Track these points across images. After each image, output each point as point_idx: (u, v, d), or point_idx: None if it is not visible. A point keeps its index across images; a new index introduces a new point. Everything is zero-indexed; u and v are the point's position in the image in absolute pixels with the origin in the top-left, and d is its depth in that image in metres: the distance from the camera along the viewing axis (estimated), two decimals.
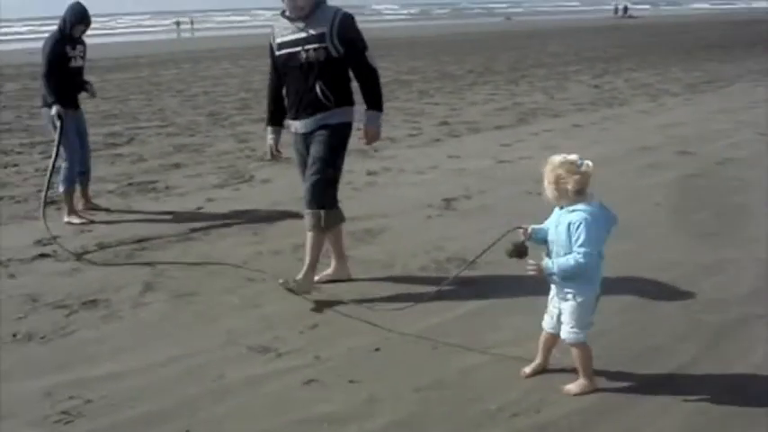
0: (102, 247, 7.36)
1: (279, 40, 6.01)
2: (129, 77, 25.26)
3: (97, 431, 4.14)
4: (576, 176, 4.11)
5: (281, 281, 5.89)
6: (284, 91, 6.18)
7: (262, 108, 16.83)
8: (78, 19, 8.13)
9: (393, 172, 10.27)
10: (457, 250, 6.92)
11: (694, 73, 22.54)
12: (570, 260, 4.10)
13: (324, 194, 5.95)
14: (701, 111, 15.23)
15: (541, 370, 4.58)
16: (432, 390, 4.47)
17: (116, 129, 14.44)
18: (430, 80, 22.18)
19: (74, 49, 8.22)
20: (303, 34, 5.83)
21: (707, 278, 6.13)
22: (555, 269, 4.16)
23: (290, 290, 5.87)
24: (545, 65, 26.36)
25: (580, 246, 4.07)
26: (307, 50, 5.82)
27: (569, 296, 4.24)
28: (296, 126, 6.14)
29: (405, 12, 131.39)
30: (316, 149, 5.98)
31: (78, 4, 8.23)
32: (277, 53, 6.06)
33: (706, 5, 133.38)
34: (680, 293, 5.84)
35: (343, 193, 8.90)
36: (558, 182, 4.16)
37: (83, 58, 8.38)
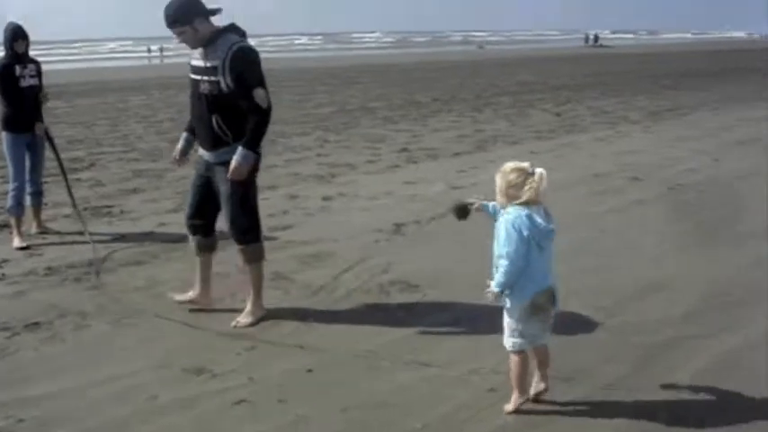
0: (50, 270, 7.41)
1: (191, 62, 5.87)
2: (97, 103, 25.27)
3: None
4: (525, 182, 4.24)
5: (232, 324, 5.93)
6: None
7: None
8: (12, 35, 8.26)
9: (348, 197, 10.40)
10: (402, 274, 7.04)
11: (657, 101, 22.92)
12: (499, 275, 4.23)
13: (246, 231, 5.97)
14: (658, 138, 15.53)
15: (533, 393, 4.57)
16: (360, 409, 4.57)
17: (78, 154, 14.46)
18: (395, 107, 22.36)
19: (24, 68, 8.31)
20: (202, 63, 5.72)
21: (642, 301, 6.31)
22: (497, 288, 4.25)
23: (251, 324, 5.93)
24: (511, 93, 26.66)
25: (500, 253, 4.20)
26: (203, 82, 5.71)
27: (503, 302, 4.36)
28: (200, 151, 6.05)
29: (386, 39, 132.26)
30: (225, 188, 5.85)
31: (10, 23, 8.40)
32: (189, 74, 5.90)
33: (688, 35, 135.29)
34: (613, 316, 5.98)
35: (296, 219, 9.16)
36: (507, 187, 4.28)
37: (36, 77, 8.44)
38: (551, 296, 4.36)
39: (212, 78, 5.63)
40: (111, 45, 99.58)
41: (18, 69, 8.27)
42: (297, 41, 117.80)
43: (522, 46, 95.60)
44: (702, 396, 4.66)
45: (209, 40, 5.70)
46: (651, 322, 5.83)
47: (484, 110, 21.35)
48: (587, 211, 9.31)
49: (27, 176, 8.52)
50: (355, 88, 29.56)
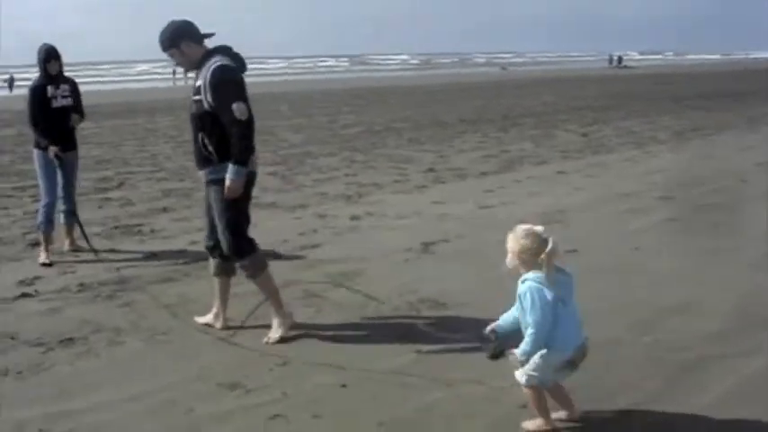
0: (83, 286, 7.49)
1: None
2: (126, 123, 25.54)
3: None
4: (539, 249, 4.18)
5: (264, 340, 6.00)
6: None
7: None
8: (45, 56, 8.37)
9: (376, 217, 10.43)
10: (431, 293, 7.05)
11: (683, 121, 22.85)
12: (525, 345, 4.21)
13: (239, 246, 6.07)
14: (685, 158, 15.49)
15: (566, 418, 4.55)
16: (395, 425, 4.59)
17: (107, 174, 14.63)
18: (421, 128, 22.43)
19: (56, 88, 8.42)
20: (194, 83, 5.99)
21: (672, 318, 6.28)
22: (523, 356, 4.23)
23: (282, 337, 6.00)
24: (536, 114, 26.68)
25: (527, 322, 4.18)
26: (193, 102, 5.95)
27: None
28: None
29: (413, 61, 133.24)
30: (216, 207, 6.05)
31: (44, 44, 8.51)
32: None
33: (715, 56, 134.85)
34: (644, 333, 5.96)
35: (324, 238, 9.20)
36: (521, 252, 4.24)
37: (69, 97, 8.53)
38: (584, 351, 4.35)
39: (198, 98, 5.87)
40: (142, 67, 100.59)
41: (50, 90, 8.38)
42: (323, 63, 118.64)
43: (546, 67, 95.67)
44: (729, 416, 4.64)
45: (200, 62, 5.93)
46: (681, 340, 5.80)
47: (509, 130, 21.38)
48: (617, 230, 9.28)
49: (60, 194, 8.62)
50: (381, 109, 29.72)
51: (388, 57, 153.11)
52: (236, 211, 6.02)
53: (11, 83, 56.87)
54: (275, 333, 6.04)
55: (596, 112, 26.86)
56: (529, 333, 4.19)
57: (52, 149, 8.33)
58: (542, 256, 4.14)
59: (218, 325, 6.33)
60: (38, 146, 8.46)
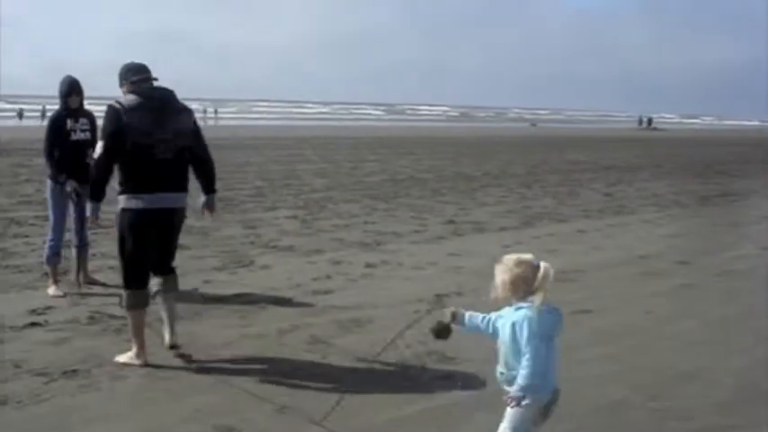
0: (92, 319, 7.51)
1: None
2: None
3: None
4: (534, 276, 4.06)
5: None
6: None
7: (275, 196, 17.27)
8: (67, 90, 8.43)
9: (391, 266, 10.41)
10: (439, 345, 6.96)
11: (708, 186, 22.74)
12: (522, 378, 4.00)
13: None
14: (708, 223, 15.40)
15: None
16: None
17: None
18: (445, 179, 22.47)
19: (76, 122, 8.46)
20: None
21: (682, 386, 6.17)
22: (520, 391, 4.02)
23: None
24: (561, 171, 26.66)
25: (524, 351, 3.99)
26: None
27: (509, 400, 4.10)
28: None
29: (452, 113, 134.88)
30: None
31: (67, 76, 8.55)
32: None
33: (755, 122, 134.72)
34: (652, 399, 5.87)
35: (337, 284, 9.19)
36: (518, 281, 4.10)
37: (88, 131, 8.54)
38: (557, 395, 4.16)
39: None
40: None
41: (69, 123, 8.42)
42: (359, 111, 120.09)
43: (575, 125, 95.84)
44: None
45: None
46: (687, 408, 5.71)
47: (533, 186, 21.35)
48: (633, 292, 9.19)
49: (73, 228, 8.64)
50: (408, 158, 29.81)
51: (431, 107, 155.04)
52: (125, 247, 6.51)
53: (20, 114, 58.08)
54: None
55: (622, 172, 26.82)
56: (525, 364, 3.97)
57: (71, 184, 8.35)
58: (536, 283, 4.02)
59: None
60: (53, 178, 8.47)
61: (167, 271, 6.74)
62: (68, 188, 8.36)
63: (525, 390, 4.00)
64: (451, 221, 14.48)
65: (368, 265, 10.32)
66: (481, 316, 4.37)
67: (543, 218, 15.39)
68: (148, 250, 6.48)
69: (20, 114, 56.82)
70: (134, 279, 6.45)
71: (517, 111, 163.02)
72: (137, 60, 6.65)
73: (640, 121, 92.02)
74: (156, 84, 6.53)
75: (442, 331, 4.30)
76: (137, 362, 6.30)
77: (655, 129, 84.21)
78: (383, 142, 41.13)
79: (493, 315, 4.29)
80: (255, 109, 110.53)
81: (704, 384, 6.25)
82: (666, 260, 11.25)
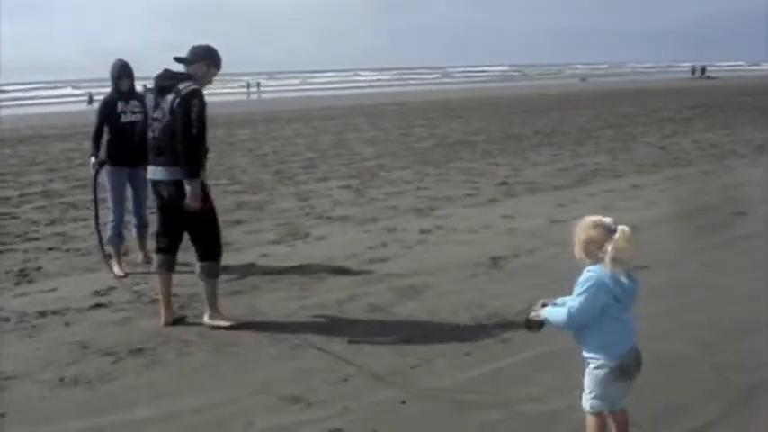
0: (154, 299, 7.65)
1: None
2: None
3: None
4: (606, 240, 3.98)
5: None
6: (203, 148, 6.83)
7: (327, 167, 17.34)
8: (117, 73, 8.57)
9: (445, 231, 10.42)
10: (498, 308, 7.02)
11: (764, 133, 22.26)
12: (553, 316, 4.08)
13: None
14: (766, 172, 15.10)
15: None
16: None
17: None
18: (495, 141, 22.33)
19: (127, 104, 8.59)
20: None
21: (743, 339, 6.12)
22: (546, 315, 4.13)
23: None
24: (614, 126, 26.30)
25: (573, 300, 4.01)
26: None
27: (586, 362, 4.14)
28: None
29: (513, 72, 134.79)
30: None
31: (118, 60, 8.70)
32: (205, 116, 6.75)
33: None
34: (713, 353, 5.84)
35: (393, 252, 9.23)
36: (588, 243, 4.05)
37: (139, 113, 8.58)
38: (637, 357, 4.11)
39: None
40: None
41: (120, 105, 8.56)
42: (415, 76, 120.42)
43: (627, 78, 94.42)
44: None
45: None
46: (751, 361, 5.66)
47: (585, 143, 21.11)
48: (690, 246, 9.10)
49: (132, 209, 8.84)
50: (457, 122, 29.68)
51: (493, 68, 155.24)
52: None
53: (91, 99, 58.68)
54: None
55: (676, 124, 26.38)
56: (564, 310, 4.02)
57: (93, 162, 8.64)
58: (610, 246, 3.95)
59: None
60: (108, 161, 8.63)
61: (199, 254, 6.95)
62: (91, 166, 8.74)
63: (547, 322, 4.17)
64: (504, 183, 14.42)
65: (422, 231, 10.34)
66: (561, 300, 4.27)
67: (597, 175, 15.23)
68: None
69: (90, 99, 57.52)
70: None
71: (574, 66, 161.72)
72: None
73: (693, 71, 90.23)
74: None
75: (529, 324, 4.27)
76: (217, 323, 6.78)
77: (708, 77, 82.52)
78: (431, 107, 40.95)
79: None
80: (310, 80, 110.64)
81: (765, 337, 6.18)
82: (724, 212, 11.09)
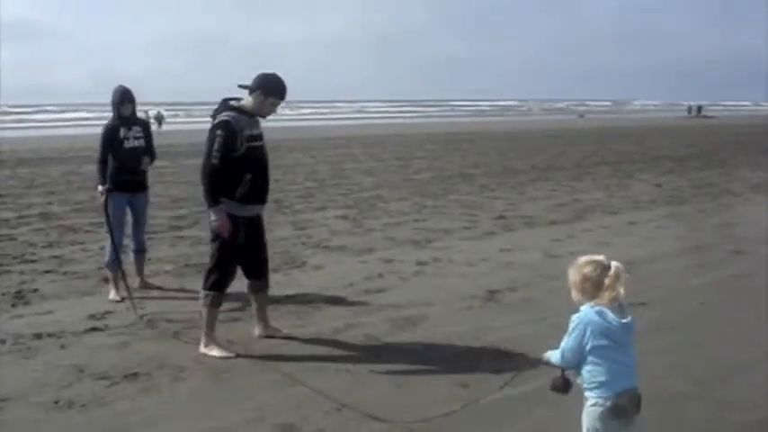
0: (151, 323, 7.66)
1: (247, 133, 6.64)
2: None
3: None
4: (601, 277, 3.97)
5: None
6: (247, 177, 6.69)
7: (325, 196, 17.38)
8: (120, 99, 8.60)
9: (442, 263, 10.44)
10: (493, 341, 7.03)
11: (761, 173, 22.38)
12: (556, 352, 4.09)
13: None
14: (760, 211, 15.17)
15: None
16: None
17: (182, 212, 14.91)
18: (493, 174, 22.41)
19: (129, 129, 8.65)
20: (258, 131, 6.84)
21: (738, 377, 6.14)
22: (548, 358, 4.18)
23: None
24: (610, 163, 26.42)
25: (564, 340, 4.02)
26: (261, 146, 6.88)
27: (585, 399, 4.09)
28: (254, 209, 6.95)
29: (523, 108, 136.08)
30: (262, 234, 7.25)
31: (119, 86, 8.73)
32: (246, 144, 6.64)
33: None
34: (709, 391, 5.85)
35: (390, 283, 9.24)
36: (583, 281, 4.03)
37: (142, 138, 8.73)
38: (635, 399, 4.05)
39: (263, 142, 6.94)
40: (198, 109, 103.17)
41: (123, 131, 8.61)
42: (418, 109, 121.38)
43: (623, 116, 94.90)
44: None
45: None
46: (748, 399, 5.68)
47: (583, 179, 21.21)
48: (687, 284, 9.12)
49: (131, 234, 8.86)
50: (455, 155, 29.80)
51: (473, 102, 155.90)
52: None
53: (160, 120, 58.87)
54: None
55: (673, 162, 26.52)
56: (558, 350, 4.07)
57: (100, 188, 8.63)
58: (606, 283, 3.94)
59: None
60: (109, 186, 8.67)
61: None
62: (98, 190, 8.75)
63: (548, 361, 4.21)
64: (501, 217, 14.46)
65: (419, 263, 10.36)
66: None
67: (594, 210, 15.28)
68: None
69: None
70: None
71: (560, 101, 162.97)
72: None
73: (689, 110, 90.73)
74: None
75: (555, 386, 4.24)
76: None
77: (704, 116, 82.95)
78: (429, 139, 41.10)
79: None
80: (309, 109, 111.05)
81: (762, 375, 6.20)
82: (721, 250, 11.14)
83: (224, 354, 6.71)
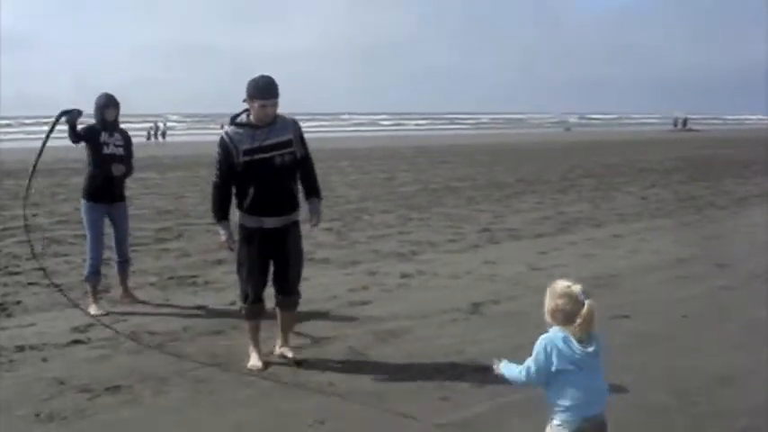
0: (134, 335, 7.63)
1: (245, 147, 6.49)
2: (188, 175, 25.95)
3: None
4: (572, 312, 3.95)
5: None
6: (250, 190, 6.57)
7: None
8: (104, 102, 8.57)
9: (427, 275, 10.45)
10: (476, 353, 7.03)
11: (746, 187, 22.52)
12: (512, 372, 4.14)
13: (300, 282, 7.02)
14: (744, 224, 15.25)
15: None
16: None
17: (167, 224, 14.87)
18: (479, 187, 22.47)
19: (111, 136, 8.61)
20: (270, 141, 6.53)
21: (722, 389, 6.16)
22: (503, 371, 4.21)
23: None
24: (596, 175, 26.54)
25: (529, 360, 4.03)
26: (281, 155, 6.56)
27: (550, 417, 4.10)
28: (267, 222, 6.65)
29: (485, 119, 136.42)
30: (294, 243, 6.85)
31: (103, 93, 8.71)
32: (244, 158, 6.50)
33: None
34: (690, 402, 5.87)
35: (374, 295, 9.23)
36: (554, 310, 4.02)
37: (121, 147, 8.69)
38: (599, 427, 4.04)
39: (289, 150, 6.64)
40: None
41: (104, 136, 8.58)
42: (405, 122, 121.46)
43: (610, 128, 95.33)
44: None
45: (275, 119, 6.60)
46: (730, 412, 5.69)
47: (568, 192, 21.29)
48: (670, 296, 9.16)
49: (114, 246, 8.82)
50: (442, 167, 29.87)
51: (463, 115, 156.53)
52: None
53: (158, 132, 58.18)
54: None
55: (658, 175, 26.67)
56: (523, 368, 4.07)
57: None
58: (576, 320, 3.92)
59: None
60: (84, 195, 8.65)
61: None
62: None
63: (503, 371, 4.26)
64: (486, 229, 14.49)
65: (404, 276, 10.37)
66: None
67: (579, 223, 15.34)
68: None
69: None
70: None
71: (548, 115, 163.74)
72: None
73: (675, 123, 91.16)
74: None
75: None
76: None
77: (690, 129, 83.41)
78: (416, 152, 41.17)
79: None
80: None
81: (746, 385, 6.23)
82: (704, 263, 11.19)
83: (252, 364, 6.73)
